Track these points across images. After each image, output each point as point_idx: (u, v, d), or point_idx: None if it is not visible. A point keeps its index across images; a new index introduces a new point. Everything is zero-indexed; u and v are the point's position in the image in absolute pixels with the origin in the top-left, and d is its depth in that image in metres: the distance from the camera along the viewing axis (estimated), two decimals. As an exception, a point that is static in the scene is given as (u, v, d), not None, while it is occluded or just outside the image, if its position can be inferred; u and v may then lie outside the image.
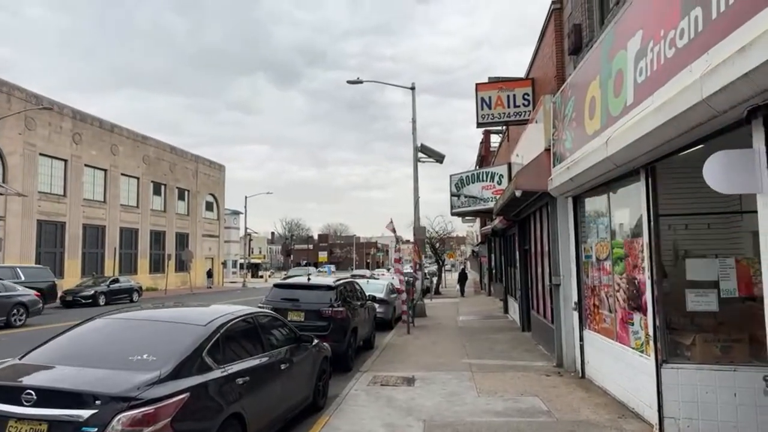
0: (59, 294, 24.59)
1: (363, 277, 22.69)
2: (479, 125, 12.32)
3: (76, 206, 31.91)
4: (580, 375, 8.49)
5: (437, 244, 35.82)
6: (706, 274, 5.64)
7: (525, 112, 11.95)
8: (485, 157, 28.61)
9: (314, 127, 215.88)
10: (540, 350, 11.31)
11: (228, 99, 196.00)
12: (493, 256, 30.45)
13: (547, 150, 9.39)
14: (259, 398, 5.13)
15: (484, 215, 19.48)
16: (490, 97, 12.00)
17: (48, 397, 3.69)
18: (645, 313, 5.94)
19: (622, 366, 6.76)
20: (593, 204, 8.09)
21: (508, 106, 12.03)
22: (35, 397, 3.67)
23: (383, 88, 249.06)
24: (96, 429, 3.51)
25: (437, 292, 33.48)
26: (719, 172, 3.84)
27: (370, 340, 12.50)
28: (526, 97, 11.88)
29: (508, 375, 8.95)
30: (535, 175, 9.48)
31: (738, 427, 5.25)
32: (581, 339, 8.50)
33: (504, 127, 17.99)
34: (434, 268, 41.67)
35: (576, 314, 8.65)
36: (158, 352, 4.30)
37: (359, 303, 11.39)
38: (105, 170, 34.70)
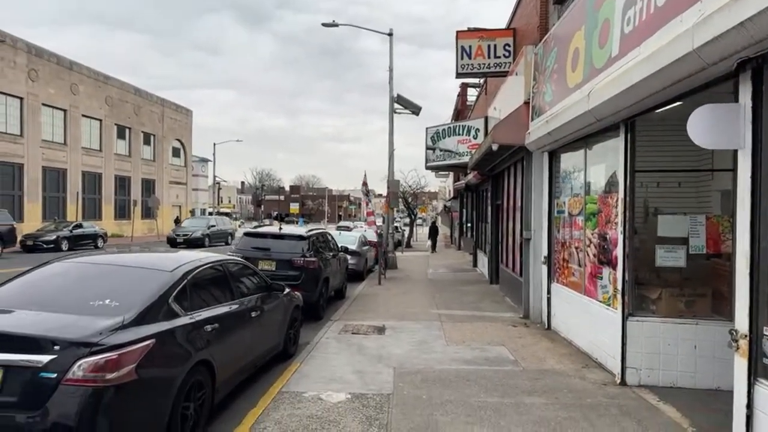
0: (19, 238, 23.76)
1: (347, 228, 23.14)
2: (458, 75, 12.02)
3: (35, 147, 30.42)
4: (546, 326, 8.72)
5: (410, 199, 35.87)
6: (676, 231, 5.72)
7: (505, 63, 11.69)
8: (462, 111, 28.32)
9: (284, 73, 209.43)
10: (507, 302, 11.57)
11: (193, 39, 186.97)
12: (464, 211, 30.73)
13: (527, 103, 9.24)
14: (228, 346, 5.04)
15: (459, 170, 19.44)
16: (470, 47, 11.66)
17: (4, 341, 3.50)
18: (614, 267, 6.03)
19: (587, 318, 6.94)
20: (569, 159, 8.06)
21: (489, 57, 11.73)
22: (-11, 342, 3.48)
23: (357, 34, 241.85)
24: (55, 375, 3.36)
25: (408, 246, 33.84)
26: (703, 126, 3.78)
27: (342, 291, 12.54)
28: (507, 47, 11.58)
29: (476, 325, 9.13)
30: (513, 128, 9.36)
31: (696, 377, 5.48)
32: (549, 292, 8.67)
33: (482, 80, 17.70)
34: (406, 221, 41.94)
35: (545, 268, 8.79)
36: (122, 298, 4.12)
37: (331, 254, 11.32)
38: (64, 110, 32.98)
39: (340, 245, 12.86)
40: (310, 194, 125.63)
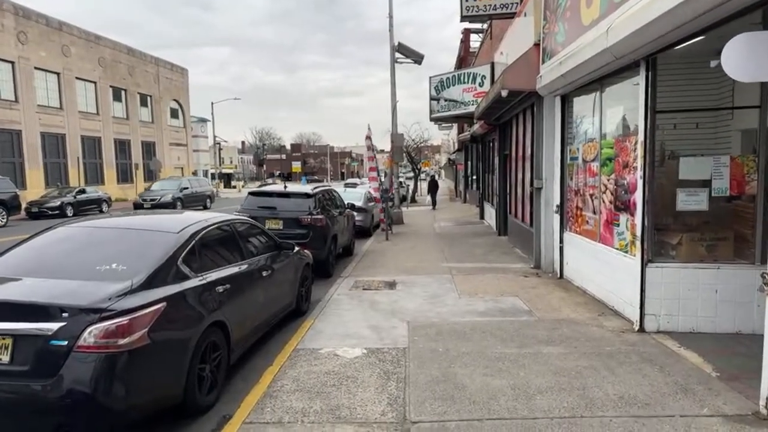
0: (23, 206, 23.71)
1: (354, 185, 23.06)
2: (463, 18, 11.48)
3: (31, 113, 29.92)
4: (559, 276, 8.63)
5: (413, 153, 35.41)
6: (698, 173, 5.50)
7: (512, 3, 11.13)
8: (465, 58, 27.47)
9: (279, 27, 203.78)
10: (517, 253, 11.48)
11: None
12: (469, 163, 30.35)
13: (537, 45, 8.82)
14: (241, 305, 4.96)
15: (464, 120, 18.99)
16: (475, -13, 11.06)
17: (11, 310, 3.39)
18: (633, 213, 5.85)
19: (603, 266, 6.82)
20: (583, 103, 7.74)
21: (494, -2, 11.16)
22: (-4, 311, 3.37)
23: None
24: (66, 342, 3.27)
25: (413, 200, 33.68)
26: (739, 57, 3.50)
27: (350, 248, 12.47)
28: (514, -13, 10.98)
29: (487, 277, 9.07)
30: (523, 73, 8.97)
31: (716, 322, 5.39)
32: (561, 241, 8.54)
33: (487, 24, 16.99)
34: (410, 176, 41.61)
35: (557, 217, 8.62)
36: (129, 262, 3.99)
37: (338, 211, 11.17)
38: (58, 74, 32.23)
39: (346, 202, 12.69)
40: (312, 152, 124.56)
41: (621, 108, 6.31)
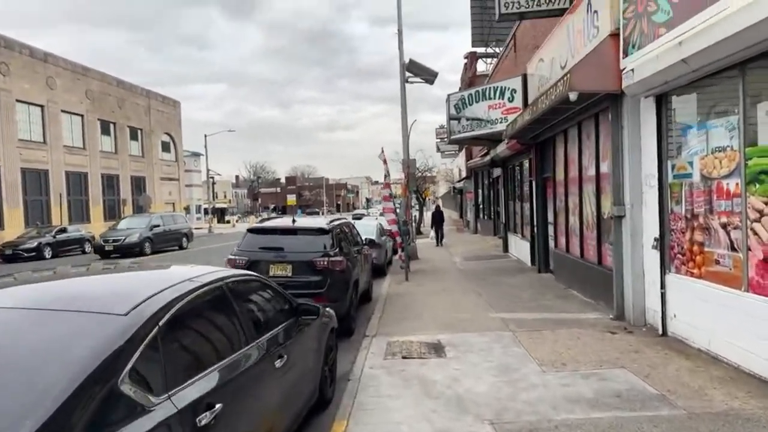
0: (-4, 247, 21.50)
1: (360, 217, 20.99)
2: (502, 17, 9.72)
3: (11, 148, 27.92)
4: (661, 333, 6.53)
5: (419, 182, 33.66)
6: None
7: None
8: (473, 83, 25.89)
9: (273, 63, 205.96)
10: (577, 297, 9.37)
11: (179, 33, 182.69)
12: (479, 191, 28.49)
13: (613, 36, 6.95)
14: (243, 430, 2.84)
15: (483, 143, 17.14)
16: (515, -19, 9.33)
17: None
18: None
19: (759, 325, 4.74)
20: (694, 102, 5.81)
21: (539, -8, 9.42)
22: None
23: (345, 17, 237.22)
24: None
25: (419, 232, 31.64)
26: None
27: (368, 292, 10.35)
28: (560, -21, 9.25)
29: (560, 334, 6.94)
30: (595, 71, 7.09)
31: None
32: (663, 286, 6.47)
33: (496, 48, 15.34)
34: (414, 205, 39.68)
35: (655, 254, 6.58)
36: (11, 393, 1.89)
37: (356, 249, 9.10)
38: (41, 106, 30.41)
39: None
40: (307, 184, 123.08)
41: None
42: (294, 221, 8.07)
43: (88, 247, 25.80)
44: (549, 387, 5.03)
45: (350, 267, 7.83)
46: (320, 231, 7.66)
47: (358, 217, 21.18)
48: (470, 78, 27.77)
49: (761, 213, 4.71)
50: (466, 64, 32.42)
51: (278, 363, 3.49)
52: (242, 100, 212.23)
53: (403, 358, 6.25)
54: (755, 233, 4.81)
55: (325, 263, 7.24)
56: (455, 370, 5.67)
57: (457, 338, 7.03)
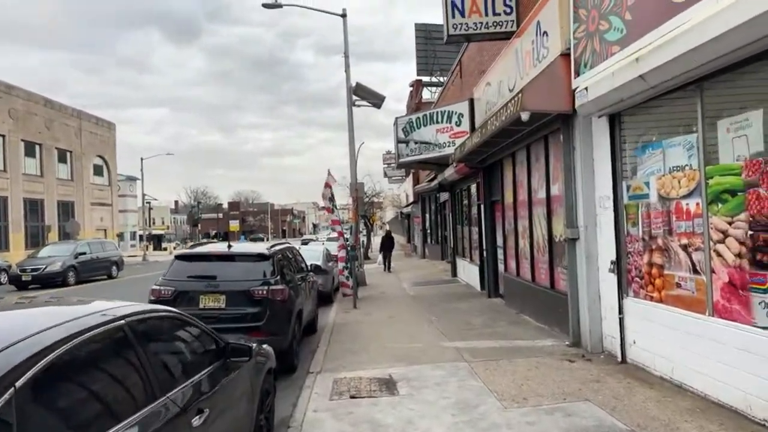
0: None
1: (307, 242, 20.22)
2: (450, 39, 9.54)
3: None
4: (619, 359, 6.25)
5: (366, 207, 33.30)
6: None
7: (507, 22, 9.33)
8: (419, 107, 26.02)
9: (217, 88, 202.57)
10: (530, 322, 9.08)
11: (119, 56, 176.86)
12: (427, 216, 28.43)
13: (564, 56, 6.84)
14: None
15: (433, 167, 16.97)
16: (462, 1, 9.20)
17: None
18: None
19: (726, 353, 4.50)
20: (658, 119, 5.67)
21: (486, 14, 9.32)
22: None
23: (292, 45, 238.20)
24: None
25: (366, 257, 31.09)
26: None
27: (314, 323, 9.65)
28: (508, 2, 9.22)
29: (518, 364, 6.54)
30: (547, 91, 6.93)
31: None
32: (621, 311, 6.23)
33: (440, 77, 15.40)
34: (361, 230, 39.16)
35: (612, 277, 6.35)
36: None
37: (300, 276, 8.42)
38: (-46, 125, 27.86)
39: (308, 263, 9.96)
40: (251, 210, 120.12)
41: (759, 113, 4.20)
42: (230, 246, 7.32)
43: (3, 278, 23.38)
44: (513, 426, 4.55)
45: (293, 296, 7.15)
46: (259, 257, 6.95)
47: (306, 242, 20.42)
48: (416, 105, 27.94)
49: (725, 233, 4.53)
50: (411, 91, 32.76)
51: (196, 421, 2.80)
52: (184, 125, 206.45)
53: (351, 397, 5.62)
54: (719, 255, 4.61)
55: (264, 292, 6.53)
56: (410, 410, 5.10)
57: (410, 372, 6.48)
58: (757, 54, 3.97)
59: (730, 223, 4.46)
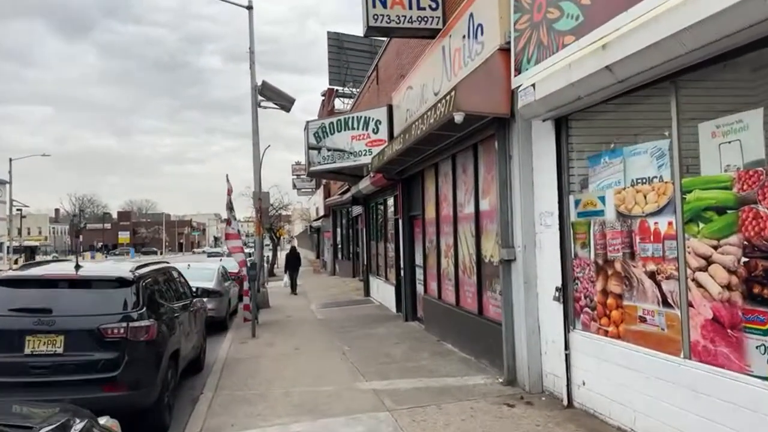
0: None
1: (218, 255, 17.40)
2: (369, 31, 8.41)
3: None
4: (565, 403, 5.35)
5: (273, 220, 31.29)
6: None
7: (432, 18, 8.42)
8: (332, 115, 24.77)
9: (113, 88, 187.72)
10: (454, 352, 8.07)
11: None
12: (339, 230, 27.11)
13: (503, 50, 5.96)
14: None
15: (346, 177, 15.75)
16: (385, -10, 8.17)
17: None
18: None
19: (707, 404, 3.68)
20: (616, 123, 4.90)
21: (410, 8, 8.35)
22: None
23: (200, 49, 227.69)
24: None
25: (272, 274, 29.03)
26: None
27: (199, 358, 7.91)
28: (434, -4, 8.33)
29: (449, 411, 5.42)
30: (484, 90, 6.00)
31: None
32: (567, 346, 5.35)
33: (353, 89, 14.43)
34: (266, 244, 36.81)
35: (557, 307, 5.46)
36: None
37: (181, 304, 6.71)
38: None
39: (194, 286, 8.20)
40: (144, 221, 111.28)
41: (757, 113, 3.44)
42: (78, 267, 5.49)
43: None
44: None
45: (165, 333, 5.47)
46: (119, 282, 5.21)
47: (216, 256, 18.02)
48: (328, 114, 26.70)
49: (708, 259, 3.73)
50: (323, 100, 31.53)
51: None
52: (73, 126, 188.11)
53: (238, 476, 4.14)
54: (699, 285, 3.81)
55: (122, 331, 4.82)
56: (317, 496, 3.75)
57: (318, 428, 5.11)
58: (758, 40, 3.21)
59: (715, 248, 3.67)
